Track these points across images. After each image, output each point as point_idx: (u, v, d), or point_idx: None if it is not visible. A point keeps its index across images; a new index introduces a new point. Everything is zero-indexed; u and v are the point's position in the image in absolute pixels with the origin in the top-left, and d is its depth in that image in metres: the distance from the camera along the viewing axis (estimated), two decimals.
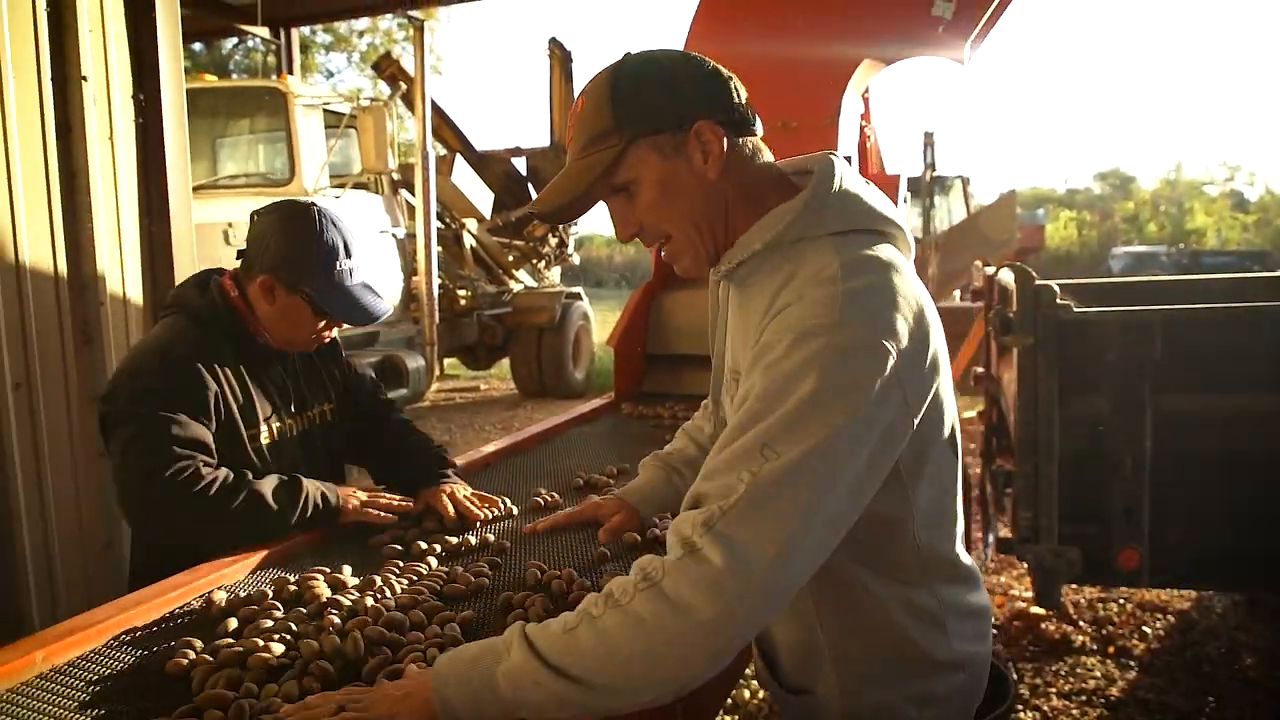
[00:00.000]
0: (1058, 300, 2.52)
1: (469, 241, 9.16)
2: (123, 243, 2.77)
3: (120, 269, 2.76)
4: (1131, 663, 3.49)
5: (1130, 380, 2.50)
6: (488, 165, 9.89)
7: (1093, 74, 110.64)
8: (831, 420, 0.94)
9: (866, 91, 3.67)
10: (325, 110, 6.14)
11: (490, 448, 2.35)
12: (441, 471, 1.89)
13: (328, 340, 1.91)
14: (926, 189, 12.03)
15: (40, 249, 2.53)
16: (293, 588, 1.37)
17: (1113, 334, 2.50)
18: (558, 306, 9.18)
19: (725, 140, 1.11)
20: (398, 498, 1.80)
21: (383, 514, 1.74)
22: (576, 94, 1.43)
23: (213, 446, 1.64)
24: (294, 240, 1.74)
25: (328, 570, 1.46)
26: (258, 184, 5.79)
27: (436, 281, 6.86)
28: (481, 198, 9.02)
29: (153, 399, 1.61)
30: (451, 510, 1.76)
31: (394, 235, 6.82)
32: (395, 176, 6.77)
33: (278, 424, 1.81)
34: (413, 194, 6.73)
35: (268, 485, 1.62)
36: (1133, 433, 2.51)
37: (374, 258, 6.48)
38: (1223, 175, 36.12)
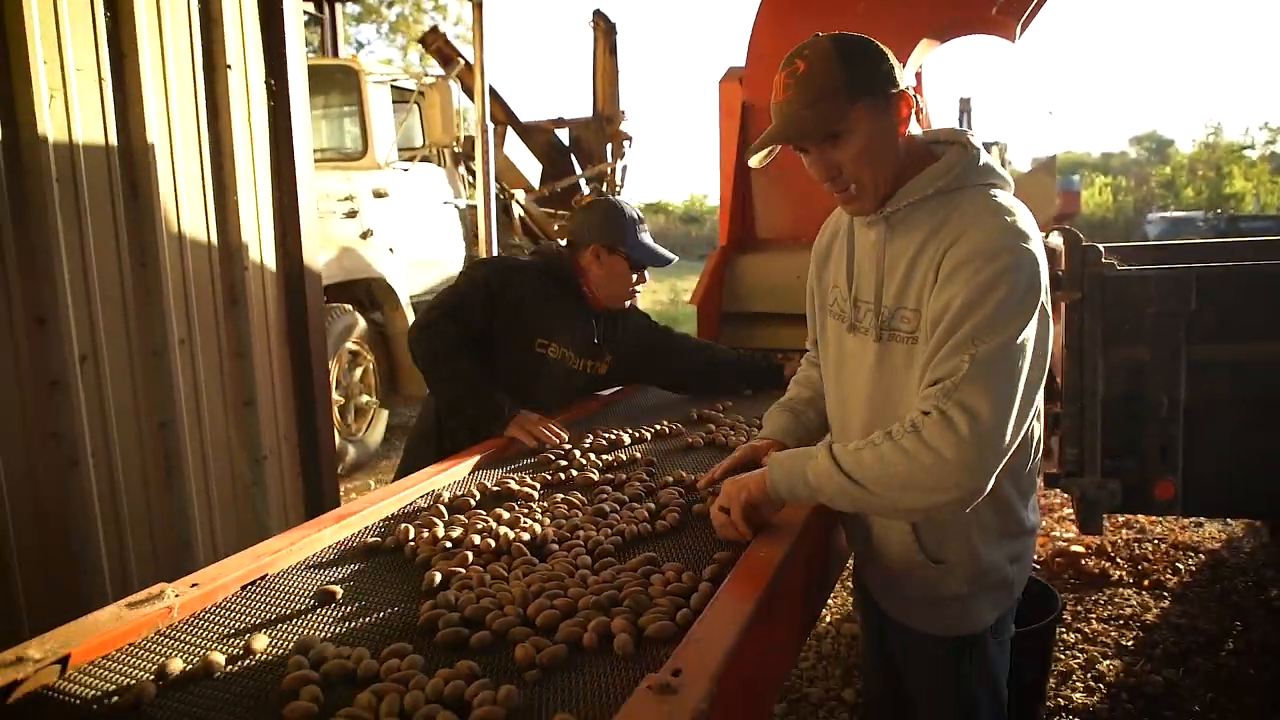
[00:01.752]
0: (1103, 259, 2.80)
1: (517, 211, 9.45)
2: (259, 215, 3.12)
3: (258, 238, 3.11)
4: (1165, 594, 3.79)
5: (1167, 331, 2.77)
6: (532, 136, 10.12)
7: (1131, 35, 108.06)
8: (1023, 315, 1.29)
9: (920, 67, 3.92)
10: (392, 86, 6.45)
11: (606, 393, 2.80)
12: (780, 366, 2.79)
13: (637, 293, 2.58)
14: None
15: (196, 221, 2.88)
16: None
17: (1152, 289, 2.77)
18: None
19: (913, 109, 1.44)
20: (556, 432, 2.25)
21: (536, 440, 2.19)
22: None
23: (479, 327, 2.36)
24: (607, 217, 2.51)
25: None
26: (333, 158, 6.11)
27: (496, 250, 7.16)
28: (531, 169, 9.29)
29: (485, 280, 2.39)
30: None
31: (456, 206, 7.14)
32: (457, 150, 7.06)
33: (564, 349, 2.50)
34: (471, 166, 7.02)
35: (477, 374, 2.27)
36: (1169, 378, 2.79)
37: (439, 227, 6.80)
38: (1263, 138, 35.46)
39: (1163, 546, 4.26)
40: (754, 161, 1.49)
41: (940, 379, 1.29)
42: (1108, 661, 3.23)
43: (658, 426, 2.27)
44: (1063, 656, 3.25)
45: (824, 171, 1.44)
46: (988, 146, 13.85)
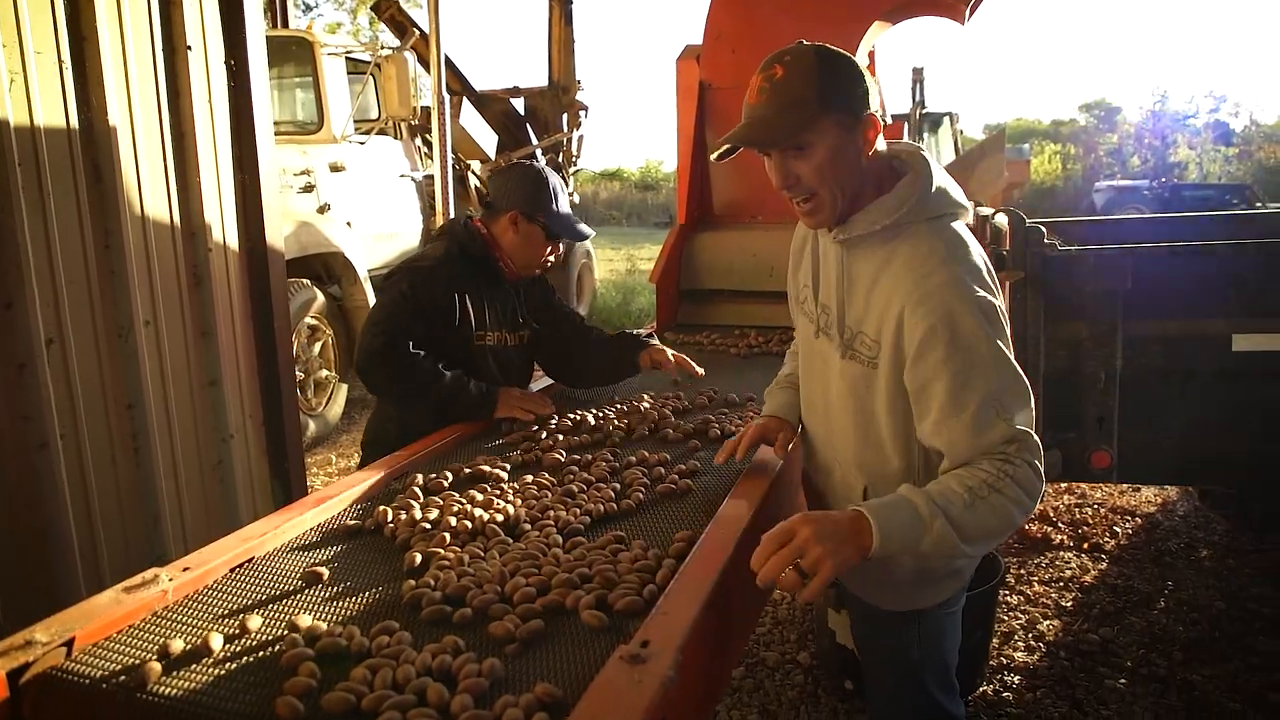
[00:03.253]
0: (1045, 240, 2.93)
1: (473, 182, 9.41)
2: (221, 194, 3.12)
3: (220, 217, 3.12)
4: (1103, 556, 3.99)
5: (1105, 308, 2.92)
6: (487, 106, 10.05)
7: (1084, 2, 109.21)
8: (1007, 350, 1.39)
9: (872, 48, 4.01)
10: (347, 58, 6.38)
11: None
12: (643, 340, 2.64)
13: (550, 265, 2.56)
14: (915, 126, 12.29)
15: (158, 202, 2.88)
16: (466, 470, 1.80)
17: (1091, 268, 2.91)
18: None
19: (879, 133, 1.49)
20: (543, 401, 2.36)
21: (531, 413, 2.29)
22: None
23: (423, 339, 2.29)
24: (530, 185, 2.47)
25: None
26: (289, 131, 6.05)
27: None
28: (486, 139, 9.24)
29: (413, 290, 2.32)
30: (672, 359, 2.52)
31: (413, 178, 7.12)
32: (414, 122, 7.02)
33: (499, 333, 2.49)
34: (429, 137, 6.98)
35: (447, 375, 2.24)
36: (1106, 353, 2.94)
37: (396, 200, 6.77)
38: (1208, 106, 36.18)
39: (1102, 511, 4.46)
40: (715, 157, 1.55)
41: (999, 441, 1.35)
42: (1048, 622, 3.41)
43: (619, 407, 2.35)
44: (1006, 618, 3.43)
45: (782, 179, 1.48)
46: (939, 117, 13.90)
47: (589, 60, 64.60)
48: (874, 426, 1.52)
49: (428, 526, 1.52)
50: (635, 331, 2.77)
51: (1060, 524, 4.31)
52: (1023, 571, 3.83)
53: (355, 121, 6.68)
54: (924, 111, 12.69)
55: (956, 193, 1.53)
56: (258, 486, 3.30)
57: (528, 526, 1.54)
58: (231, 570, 1.39)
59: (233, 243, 3.18)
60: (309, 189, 5.66)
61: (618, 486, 1.73)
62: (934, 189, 1.49)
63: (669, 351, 2.53)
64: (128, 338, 2.76)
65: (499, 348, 2.51)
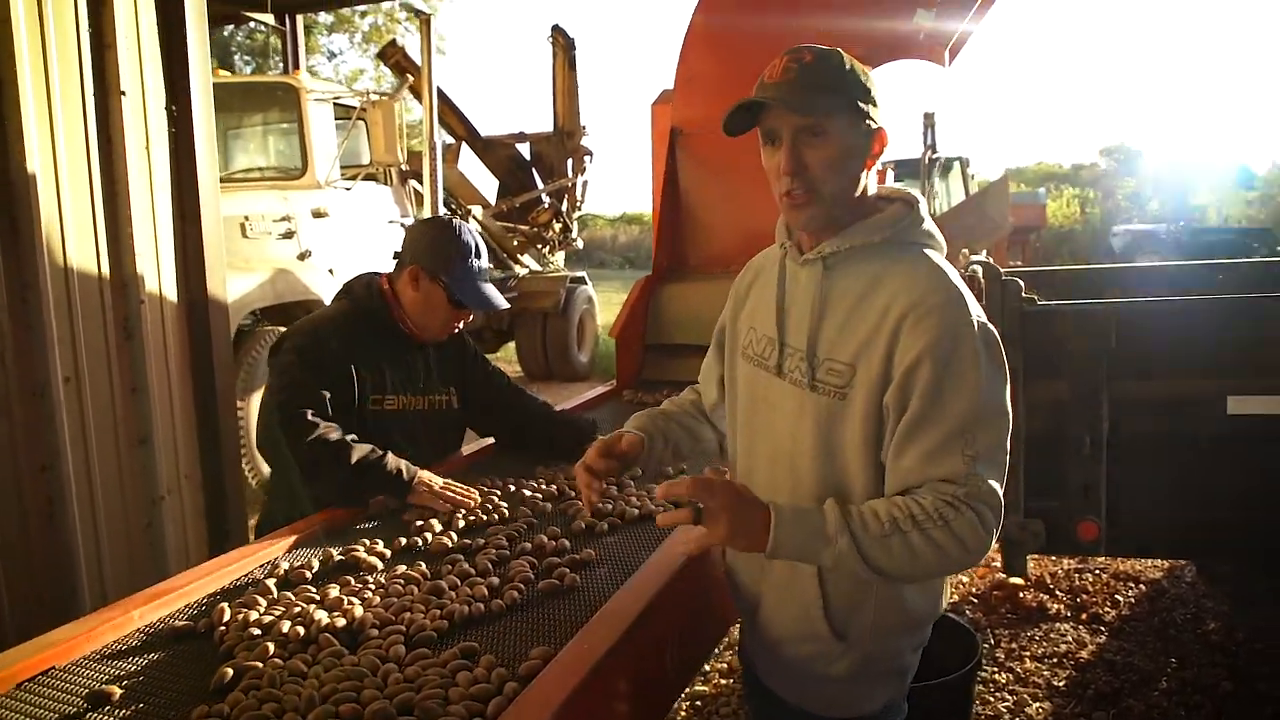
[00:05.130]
0: (1023, 294, 2.74)
1: (474, 228, 9.35)
2: (159, 245, 2.99)
3: (157, 269, 2.98)
4: (1102, 628, 3.72)
5: (1088, 367, 2.71)
6: (492, 150, 10.03)
7: (1104, 47, 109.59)
8: (1001, 383, 1.31)
9: None
10: (335, 104, 6.33)
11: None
12: (589, 432, 2.36)
13: (457, 330, 2.33)
14: (926, 171, 12.15)
15: (85, 252, 2.75)
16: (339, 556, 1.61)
17: (1072, 325, 2.71)
18: (562, 291, 9.37)
19: (884, 149, 1.39)
20: (465, 490, 2.05)
21: (449, 504, 1.98)
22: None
23: (327, 405, 2.07)
24: (437, 239, 2.24)
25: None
26: (272, 177, 5.99)
27: None
28: (486, 184, 9.19)
29: (300, 356, 2.10)
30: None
31: (402, 225, 7.03)
32: (404, 167, 6.96)
33: (405, 398, 2.26)
34: (421, 183, 6.92)
35: (359, 449, 1.99)
36: (1091, 415, 2.72)
37: (383, 247, 6.68)
38: (1229, 150, 35.85)
39: (1104, 577, 4.20)
40: (725, 126, 1.39)
41: (950, 478, 1.27)
42: (1038, 704, 3.15)
43: (543, 485, 2.13)
44: (992, 699, 3.18)
45: (790, 164, 1.35)
46: (950, 162, 13.83)
47: (605, 104, 65.32)
48: (840, 462, 1.39)
49: (257, 632, 1.33)
50: (583, 416, 2.58)
51: (1058, 591, 4.04)
52: (1014, 646, 3.58)
53: (346, 167, 6.62)
54: (934, 156, 12.59)
55: (938, 233, 1.46)
56: (193, 550, 3.13)
57: (374, 633, 1.35)
58: (18, 686, 1.21)
59: (170, 294, 3.05)
60: (289, 235, 5.57)
61: (495, 582, 1.53)
62: (924, 225, 1.43)
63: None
64: (45, 395, 2.62)
65: (404, 413, 2.27)
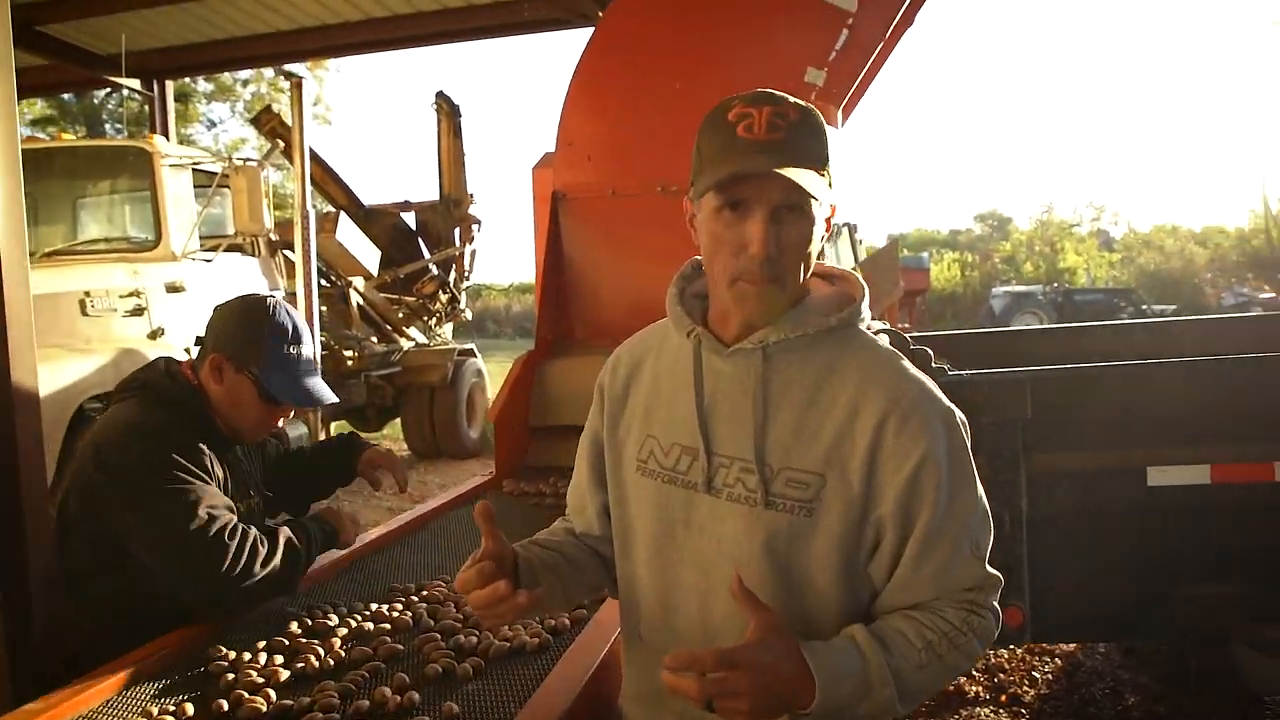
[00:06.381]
0: (933, 364, 2.55)
1: (355, 300, 8.90)
2: None
3: None
4: (1023, 710, 3.53)
5: (1004, 439, 2.53)
6: (375, 220, 9.68)
7: (972, 117, 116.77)
8: (982, 492, 1.20)
9: None
10: (195, 170, 5.89)
11: (367, 536, 2.23)
12: (359, 443, 2.20)
13: (275, 428, 2.01)
14: None
15: None
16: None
17: (985, 394, 2.53)
18: (449, 364, 8.97)
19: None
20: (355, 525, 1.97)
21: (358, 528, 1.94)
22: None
23: (221, 504, 1.75)
24: (245, 321, 1.88)
25: None
26: (121, 248, 5.48)
27: (319, 342, 6.62)
28: (368, 254, 8.79)
29: (173, 470, 1.70)
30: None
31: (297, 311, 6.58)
32: (273, 236, 6.53)
33: (234, 503, 1.87)
34: (293, 253, 6.49)
35: (283, 533, 1.77)
36: (1009, 491, 2.54)
37: None
38: (1090, 215, 38.27)
39: (1019, 653, 4.02)
40: (703, 195, 1.15)
41: (968, 585, 1.17)
42: None
43: (395, 612, 1.76)
44: None
45: (767, 245, 1.11)
46: (839, 229, 14.23)
47: (496, 171, 65.49)
48: (803, 586, 1.16)
49: None
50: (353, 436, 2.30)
51: (975, 672, 3.84)
52: None
53: (210, 237, 6.15)
54: None
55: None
56: None
57: None
58: None
59: None
60: (138, 312, 5.07)
61: None
62: (865, 306, 1.25)
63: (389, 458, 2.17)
64: None
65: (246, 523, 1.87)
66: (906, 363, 1.21)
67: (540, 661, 1.51)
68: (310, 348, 1.93)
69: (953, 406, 1.20)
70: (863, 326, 1.24)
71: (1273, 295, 23.10)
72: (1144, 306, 22.57)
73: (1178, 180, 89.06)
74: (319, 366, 1.97)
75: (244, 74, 21.06)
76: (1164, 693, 3.60)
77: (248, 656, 1.52)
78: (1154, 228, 37.62)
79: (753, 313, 1.16)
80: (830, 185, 1.15)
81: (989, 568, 1.18)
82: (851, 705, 1.07)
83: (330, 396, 1.97)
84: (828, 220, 1.17)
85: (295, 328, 1.91)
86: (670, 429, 1.22)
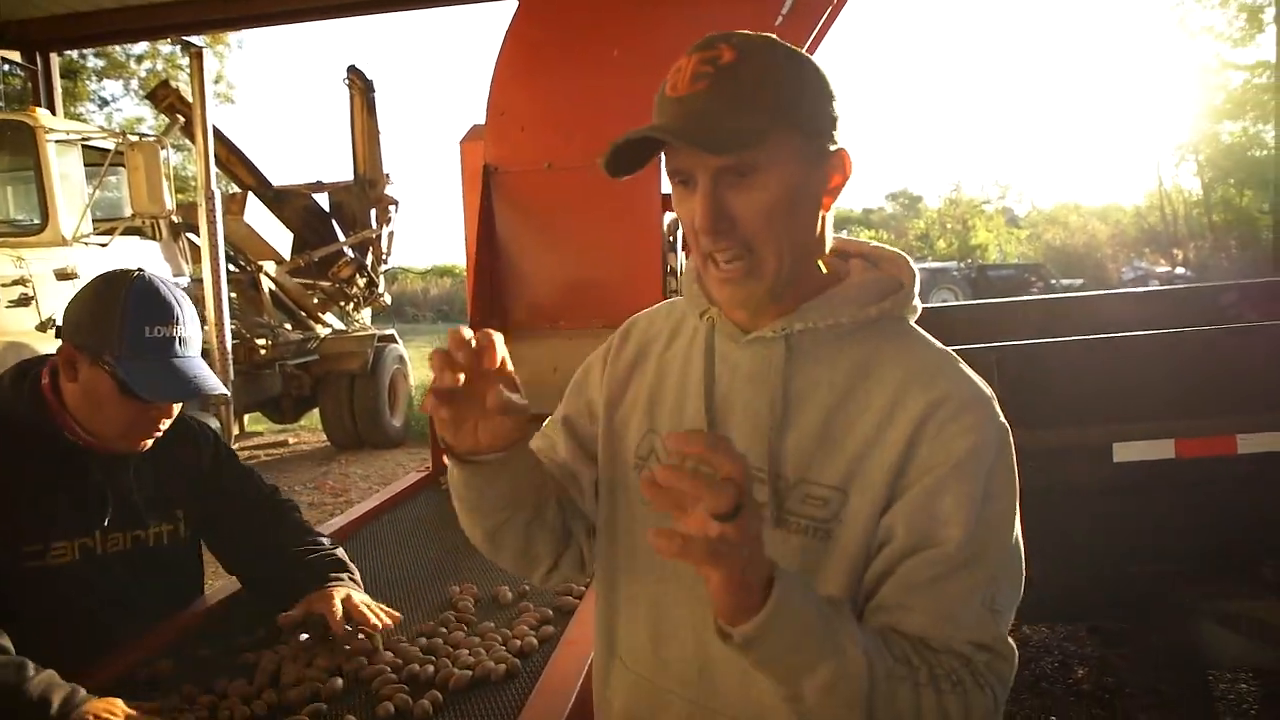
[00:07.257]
0: None
1: (267, 285, 8.49)
2: None
3: None
4: None
5: None
6: (287, 202, 9.27)
7: (881, 96, 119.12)
8: (1018, 541, 0.96)
9: None
10: (86, 147, 5.47)
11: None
12: (334, 574, 1.63)
13: (158, 433, 1.58)
14: None
15: None
16: None
17: None
18: (369, 351, 8.65)
19: (847, 180, 0.97)
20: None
21: None
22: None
23: None
24: (97, 302, 1.51)
25: None
26: (4, 232, 5.06)
27: (230, 330, 6.24)
28: (279, 237, 8.39)
29: None
30: (340, 614, 1.49)
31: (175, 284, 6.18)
32: (176, 219, 6.12)
33: (86, 540, 1.54)
34: (198, 236, 6.11)
35: (28, 665, 1.28)
36: None
37: None
38: (996, 193, 39.40)
39: None
40: (606, 165, 0.93)
41: (976, 641, 0.91)
42: None
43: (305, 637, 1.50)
44: None
45: (710, 217, 0.92)
46: None
47: (413, 149, 64.06)
48: None
49: None
50: (331, 552, 1.72)
51: None
52: None
53: (104, 220, 5.73)
54: None
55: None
56: None
57: None
58: None
59: None
60: (25, 301, 4.67)
61: None
62: (917, 293, 1.04)
63: (346, 603, 1.54)
64: None
65: (86, 564, 1.55)
66: (965, 366, 1.00)
67: (510, 692, 1.31)
68: (189, 328, 1.55)
69: (1005, 424, 0.97)
70: (912, 320, 1.03)
71: (1169, 269, 24.17)
72: (1052, 281, 23.33)
73: (1078, 160, 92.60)
74: (200, 350, 1.58)
75: (138, 48, 20.03)
76: (1109, 662, 3.62)
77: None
78: (1056, 205, 39.01)
79: (729, 300, 0.98)
80: (814, 132, 0.93)
81: (1001, 631, 0.93)
82: (807, 649, 0.84)
83: (216, 386, 1.58)
84: (838, 171, 0.96)
85: (166, 304, 1.53)
86: (675, 427, 1.04)
